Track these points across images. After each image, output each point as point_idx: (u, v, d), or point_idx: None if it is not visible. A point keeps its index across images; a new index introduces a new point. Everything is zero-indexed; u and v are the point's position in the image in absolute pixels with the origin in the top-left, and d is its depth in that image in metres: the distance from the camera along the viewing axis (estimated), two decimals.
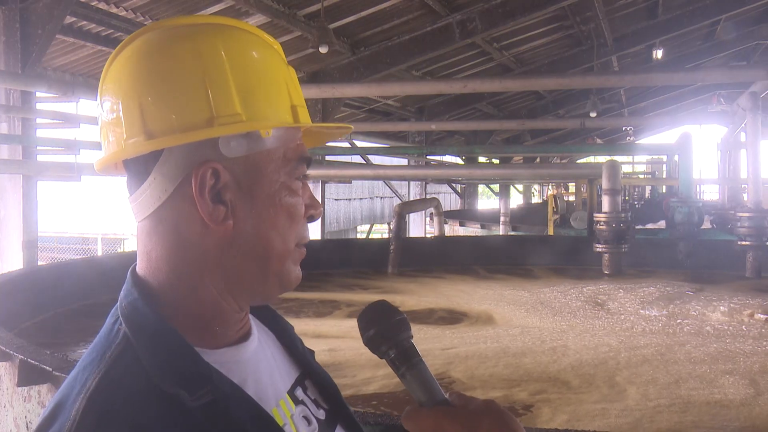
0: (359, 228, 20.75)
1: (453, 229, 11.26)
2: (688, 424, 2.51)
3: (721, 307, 4.29)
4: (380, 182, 17.86)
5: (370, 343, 0.82)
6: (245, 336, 0.82)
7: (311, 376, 0.90)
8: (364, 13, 8.35)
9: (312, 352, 0.96)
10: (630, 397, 2.83)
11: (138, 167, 0.77)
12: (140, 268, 0.79)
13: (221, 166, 0.75)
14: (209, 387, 0.72)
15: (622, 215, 5.45)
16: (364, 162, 12.96)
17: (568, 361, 3.29)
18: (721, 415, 2.61)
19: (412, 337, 0.82)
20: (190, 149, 0.75)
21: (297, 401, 0.84)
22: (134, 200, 0.78)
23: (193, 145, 0.75)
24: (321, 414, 0.86)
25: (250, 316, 0.86)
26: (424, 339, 3.70)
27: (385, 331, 0.81)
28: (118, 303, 0.77)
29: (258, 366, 0.81)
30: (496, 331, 4.01)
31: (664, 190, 19.17)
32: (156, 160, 0.75)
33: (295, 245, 0.81)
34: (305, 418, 0.83)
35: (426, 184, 16.28)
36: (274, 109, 0.79)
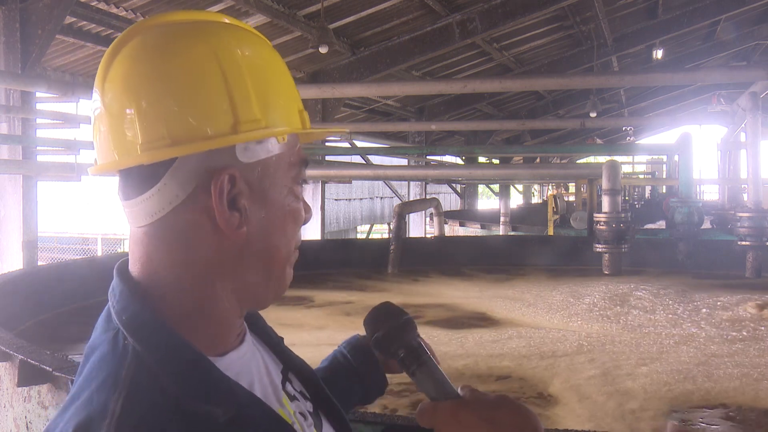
0: (359, 228, 20.75)
1: (453, 230, 11.26)
2: None
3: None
4: (380, 182, 17.85)
5: (379, 344, 0.83)
6: (242, 338, 0.82)
7: (291, 367, 0.89)
8: (364, 13, 8.35)
9: (281, 338, 0.94)
10: None
11: (143, 172, 0.73)
12: (136, 275, 0.75)
13: (237, 172, 0.74)
14: (234, 399, 0.71)
15: (622, 215, 5.44)
16: (364, 162, 12.95)
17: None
18: None
19: (418, 336, 0.83)
20: (207, 155, 0.72)
21: (291, 397, 0.84)
22: (134, 205, 0.74)
23: (211, 150, 0.72)
24: (309, 406, 0.86)
25: None
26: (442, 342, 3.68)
27: (393, 332, 0.83)
28: (116, 315, 0.73)
29: (258, 367, 0.81)
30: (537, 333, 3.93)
31: (664, 190, 19.18)
32: (168, 166, 0.72)
33: (294, 248, 0.82)
34: (301, 413, 0.83)
35: (426, 184, 16.28)
36: (286, 114, 0.79)
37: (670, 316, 4.23)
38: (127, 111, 0.72)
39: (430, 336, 3.79)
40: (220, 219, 0.72)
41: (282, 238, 0.78)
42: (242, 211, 0.74)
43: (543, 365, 3.22)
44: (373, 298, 4.68)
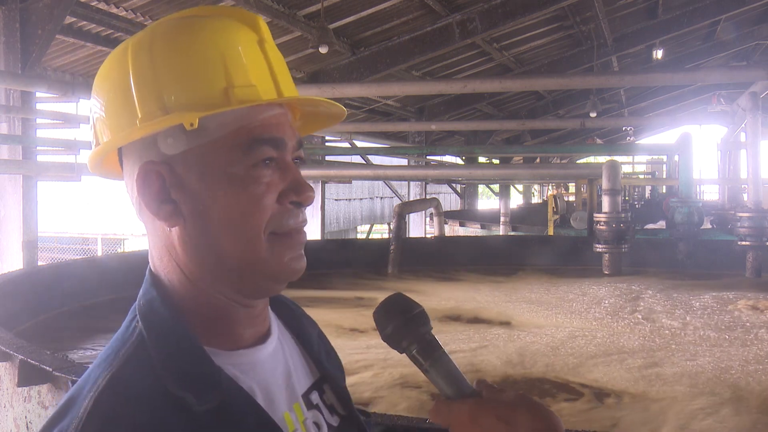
0: (359, 228, 20.74)
1: (453, 230, 11.25)
2: None
3: None
4: (380, 182, 17.84)
5: (390, 339, 0.78)
6: (263, 337, 0.80)
7: (329, 380, 0.87)
8: (364, 13, 8.35)
9: (334, 354, 0.93)
10: None
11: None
12: (151, 265, 0.80)
13: (163, 164, 0.74)
14: (217, 391, 0.70)
15: (622, 215, 5.45)
16: (364, 162, 12.96)
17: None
18: None
19: (432, 329, 0.79)
20: (137, 151, 0.76)
21: (311, 405, 0.82)
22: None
23: (140, 147, 0.75)
24: (335, 420, 0.84)
25: (272, 314, 0.84)
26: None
27: (405, 325, 0.77)
28: (137, 301, 0.77)
29: (274, 368, 0.80)
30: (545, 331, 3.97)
31: (664, 191, 19.17)
32: (120, 164, 0.79)
33: (272, 233, 0.75)
34: (316, 423, 0.81)
35: (426, 184, 16.26)
36: (201, 97, 0.73)
37: (699, 316, 4.30)
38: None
39: (508, 340, 3.81)
40: (150, 211, 0.75)
41: (228, 226, 0.73)
42: (174, 203, 0.75)
43: (615, 361, 3.33)
44: (374, 297, 4.68)
